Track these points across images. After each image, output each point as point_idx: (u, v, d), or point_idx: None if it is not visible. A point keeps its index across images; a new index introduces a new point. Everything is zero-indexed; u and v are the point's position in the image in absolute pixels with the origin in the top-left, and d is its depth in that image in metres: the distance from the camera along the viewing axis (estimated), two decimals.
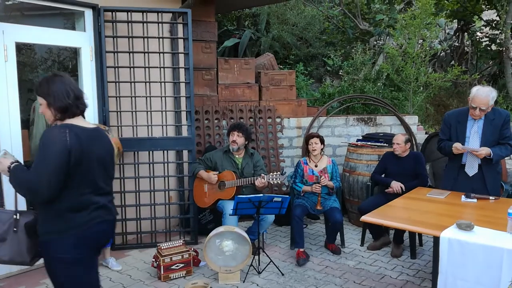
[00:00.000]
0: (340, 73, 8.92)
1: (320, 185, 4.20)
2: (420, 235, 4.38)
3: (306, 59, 9.39)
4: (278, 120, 5.71)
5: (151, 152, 4.42)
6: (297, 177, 4.43)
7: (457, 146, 3.54)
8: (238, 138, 4.16)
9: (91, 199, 2.06)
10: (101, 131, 2.20)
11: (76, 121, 2.08)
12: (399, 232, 4.16)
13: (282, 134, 5.75)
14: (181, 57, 4.66)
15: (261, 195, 3.65)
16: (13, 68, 3.65)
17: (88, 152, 2.01)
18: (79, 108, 2.10)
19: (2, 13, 4.13)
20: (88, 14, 4.17)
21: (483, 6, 10.35)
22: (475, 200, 3.34)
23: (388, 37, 9.32)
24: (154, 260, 3.77)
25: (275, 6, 9.02)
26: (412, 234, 4.11)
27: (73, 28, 4.37)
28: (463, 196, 3.41)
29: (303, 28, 9.28)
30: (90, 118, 4.25)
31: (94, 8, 4.15)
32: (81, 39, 4.16)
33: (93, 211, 2.07)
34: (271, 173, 3.95)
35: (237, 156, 4.26)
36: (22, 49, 5.61)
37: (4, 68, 3.60)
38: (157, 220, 4.55)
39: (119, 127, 4.34)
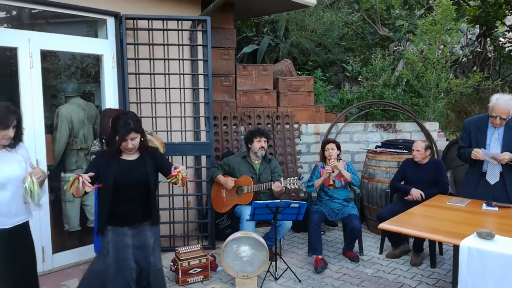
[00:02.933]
0: (359, 79, 8.86)
1: (330, 166, 4.17)
2: (440, 243, 4.31)
3: (324, 65, 9.37)
4: (295, 126, 5.71)
5: (170, 157, 4.48)
6: (313, 180, 4.42)
7: (476, 151, 3.48)
8: (265, 144, 4.20)
9: None
10: None
11: None
12: (419, 240, 4.10)
13: (300, 140, 5.74)
14: (200, 63, 4.72)
15: (278, 201, 3.65)
16: (38, 74, 3.76)
17: None
18: None
19: (28, 21, 4.27)
20: (110, 22, 4.27)
21: (506, 11, 10.16)
22: (496, 209, 3.28)
23: (408, 42, 9.23)
24: (172, 264, 3.81)
25: (294, 12, 9.02)
26: (432, 242, 4.04)
27: (96, 36, 4.49)
28: (484, 204, 3.35)
29: (322, 34, 9.26)
30: None
31: (116, 16, 4.25)
32: (103, 47, 4.26)
33: None
34: (288, 178, 3.93)
35: (255, 161, 4.28)
36: (47, 56, 5.76)
37: (29, 74, 3.71)
38: (175, 224, 4.60)
39: None
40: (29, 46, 3.70)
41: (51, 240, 3.93)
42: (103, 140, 3.63)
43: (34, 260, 2.72)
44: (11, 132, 2.44)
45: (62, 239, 3.88)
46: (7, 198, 2.45)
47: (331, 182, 4.19)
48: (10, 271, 2.50)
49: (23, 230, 2.60)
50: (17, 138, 2.54)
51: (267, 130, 5.04)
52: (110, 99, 4.33)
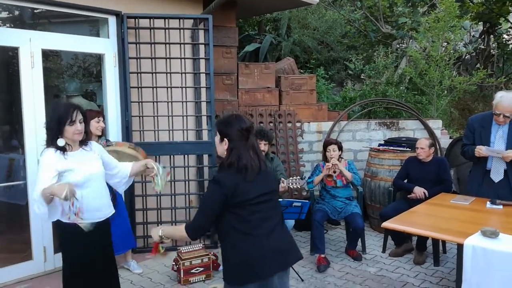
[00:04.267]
0: (362, 77, 8.83)
1: (330, 164, 4.16)
2: (444, 242, 4.28)
3: (327, 63, 9.34)
4: (298, 124, 5.69)
5: (172, 156, 4.47)
6: (313, 177, 4.41)
7: (480, 148, 3.45)
8: (264, 147, 4.14)
9: None
10: None
11: None
12: (422, 239, 4.07)
13: (302, 138, 5.72)
14: (202, 62, 4.70)
15: (281, 199, 3.63)
16: (39, 74, 3.76)
17: None
18: None
19: (29, 21, 4.27)
20: (112, 21, 4.26)
21: (509, 8, 10.09)
22: (500, 207, 3.25)
23: (411, 40, 9.19)
24: (174, 263, 3.80)
25: (296, 10, 9.00)
26: (435, 241, 4.02)
27: (98, 35, 4.48)
28: (488, 202, 3.32)
29: (324, 32, 9.22)
30: (113, 123, 4.33)
31: (118, 15, 4.24)
32: (105, 46, 4.25)
33: None
34: (291, 178, 3.91)
35: None
36: (49, 55, 5.76)
37: (30, 74, 3.70)
38: (177, 223, 4.58)
39: (141, 132, 4.40)
40: (30, 46, 3.69)
41: (53, 240, 3.92)
42: None
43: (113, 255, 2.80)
44: (79, 126, 2.48)
45: None
46: (90, 195, 2.49)
47: (333, 180, 4.18)
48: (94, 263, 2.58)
49: (106, 225, 2.68)
50: (86, 134, 2.59)
51: (269, 130, 4.99)
52: (112, 98, 4.32)
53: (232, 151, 2.11)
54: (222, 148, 2.17)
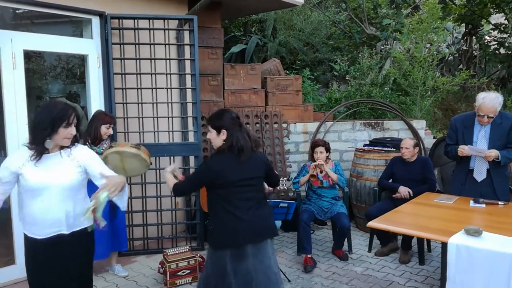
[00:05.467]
0: (347, 78, 8.89)
1: (315, 164, 4.18)
2: (428, 241, 4.33)
3: (312, 64, 9.38)
4: (284, 125, 5.70)
5: (157, 158, 4.43)
6: (299, 177, 4.42)
7: (463, 148, 3.50)
8: None
9: None
10: None
11: None
12: (407, 238, 4.12)
13: (289, 139, 5.73)
14: (188, 63, 4.68)
15: (267, 200, 3.63)
16: (21, 75, 3.69)
17: None
18: None
19: (11, 21, 4.18)
20: (96, 21, 4.21)
21: (491, 10, 10.28)
22: (483, 205, 3.30)
23: (395, 41, 9.28)
24: (160, 266, 3.77)
25: (282, 11, 9.02)
26: (420, 240, 4.06)
27: (81, 36, 4.42)
28: (471, 201, 3.37)
29: (310, 33, 9.26)
30: None
31: (101, 15, 4.20)
32: (88, 46, 4.20)
33: None
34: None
35: None
36: (31, 56, 5.67)
37: (12, 75, 3.64)
38: (163, 226, 4.55)
39: (126, 133, 4.36)
40: (12, 47, 3.63)
41: None
42: (88, 143, 3.59)
43: (72, 272, 2.34)
44: (74, 130, 2.24)
45: None
46: (41, 206, 2.21)
47: (318, 179, 4.20)
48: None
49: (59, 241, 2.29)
50: (75, 138, 2.31)
51: (255, 135, 4.97)
52: (96, 100, 4.27)
53: (231, 137, 2.51)
54: (220, 140, 2.55)
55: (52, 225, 2.25)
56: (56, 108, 2.21)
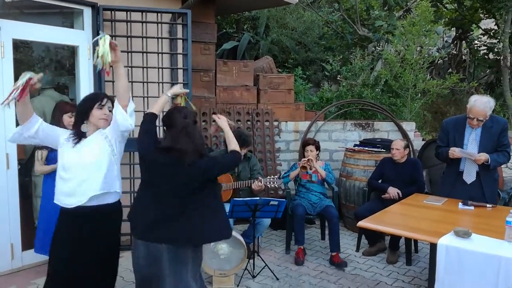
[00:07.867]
0: (338, 78, 8.91)
1: (306, 159, 4.23)
2: (415, 241, 4.36)
3: (304, 64, 9.38)
4: (275, 123, 5.69)
5: None
6: (289, 173, 4.52)
7: (453, 150, 3.53)
8: (243, 152, 4.07)
9: None
10: None
11: None
12: (395, 239, 4.14)
13: (280, 137, 5.72)
14: (180, 58, 4.63)
15: (258, 198, 3.62)
16: (9, 65, 3.62)
17: None
18: None
19: (0, 10, 4.09)
20: (87, 12, 4.14)
21: (481, 15, 10.40)
22: (472, 208, 3.33)
23: (386, 43, 9.33)
24: None
25: (275, 10, 9.01)
26: (408, 240, 4.09)
27: (72, 27, 4.34)
28: (460, 203, 3.40)
29: (302, 32, 9.26)
30: None
31: (93, 6, 4.13)
32: (79, 38, 4.13)
33: None
34: (268, 177, 3.95)
35: None
36: (19, 46, 5.57)
37: (0, 64, 3.56)
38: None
39: None
40: (1, 35, 3.55)
41: (21, 237, 3.80)
42: None
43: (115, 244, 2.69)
44: (107, 112, 2.49)
45: (32, 236, 3.76)
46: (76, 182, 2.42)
47: (308, 173, 4.29)
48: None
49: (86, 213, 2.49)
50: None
51: (246, 132, 4.90)
52: (86, 92, 4.18)
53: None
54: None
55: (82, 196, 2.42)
56: (89, 94, 2.63)
